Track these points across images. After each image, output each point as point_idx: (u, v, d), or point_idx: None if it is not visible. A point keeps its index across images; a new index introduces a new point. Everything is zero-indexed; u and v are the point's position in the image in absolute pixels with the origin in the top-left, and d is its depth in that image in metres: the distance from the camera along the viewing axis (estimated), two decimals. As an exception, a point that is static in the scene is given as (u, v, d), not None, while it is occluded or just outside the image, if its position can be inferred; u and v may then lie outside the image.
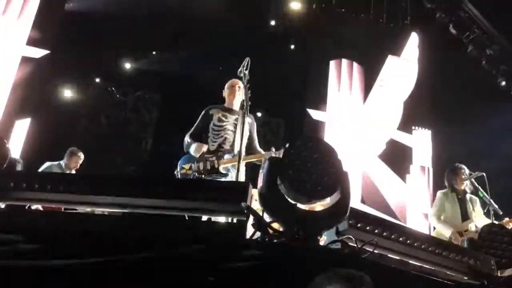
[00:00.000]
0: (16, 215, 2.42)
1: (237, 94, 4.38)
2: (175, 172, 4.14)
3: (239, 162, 3.41)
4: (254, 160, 4.14)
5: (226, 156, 4.09)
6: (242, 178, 4.11)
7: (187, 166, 4.05)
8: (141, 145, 9.33)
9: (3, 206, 2.50)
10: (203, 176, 4.01)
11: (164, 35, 9.32)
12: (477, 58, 9.51)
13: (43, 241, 2.10)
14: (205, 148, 4.09)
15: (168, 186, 2.15)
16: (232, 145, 4.22)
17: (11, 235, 2.11)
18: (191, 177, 3.99)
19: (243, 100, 3.82)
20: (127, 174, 8.89)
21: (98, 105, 9.28)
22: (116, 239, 2.07)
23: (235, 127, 4.27)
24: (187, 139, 4.27)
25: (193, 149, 4.10)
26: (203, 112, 4.40)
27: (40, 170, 5.58)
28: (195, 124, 4.38)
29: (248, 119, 4.41)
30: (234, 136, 4.16)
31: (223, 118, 4.29)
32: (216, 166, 4.03)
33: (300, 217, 2.10)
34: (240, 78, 4.11)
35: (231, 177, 4.02)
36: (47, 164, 5.82)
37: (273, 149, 4.12)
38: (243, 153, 4.17)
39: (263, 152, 4.22)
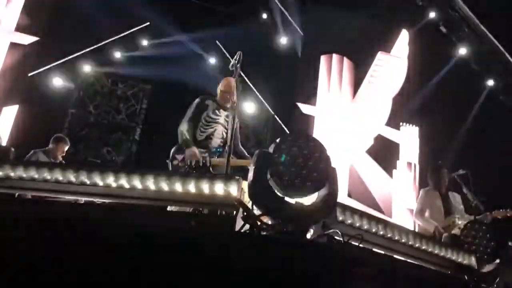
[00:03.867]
0: (5, 203, 2.43)
1: (232, 94, 4.36)
2: (167, 161, 4.11)
3: (228, 162, 3.40)
4: (243, 165, 4.12)
5: (217, 157, 4.08)
6: None
7: (179, 157, 4.03)
8: (131, 135, 9.29)
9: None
10: (193, 171, 3.99)
11: (155, 24, 9.28)
12: (466, 57, 9.62)
13: (31, 229, 2.12)
14: (198, 155, 4.03)
15: (157, 177, 2.17)
16: (224, 142, 4.20)
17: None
18: (182, 170, 3.97)
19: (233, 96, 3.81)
20: (116, 165, 8.85)
21: (87, 94, 9.20)
22: (104, 228, 2.09)
23: (227, 123, 4.29)
24: (184, 131, 4.20)
25: (187, 154, 4.04)
26: (198, 101, 4.36)
27: (26, 157, 5.54)
28: (191, 113, 4.30)
29: (234, 112, 4.43)
30: (226, 132, 4.13)
31: (217, 112, 4.32)
32: (208, 164, 3.99)
33: (289, 211, 2.15)
34: (232, 72, 4.12)
35: None
36: (33, 151, 5.77)
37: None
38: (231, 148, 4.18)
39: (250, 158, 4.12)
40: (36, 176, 2.33)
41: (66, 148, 6.04)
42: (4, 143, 6.29)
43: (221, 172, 3.87)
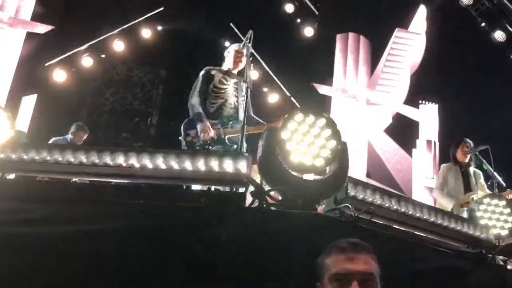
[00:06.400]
0: (25, 185, 2.48)
1: (241, 60, 4.30)
2: (180, 138, 4.09)
3: (242, 134, 3.40)
4: (258, 132, 4.09)
5: (231, 126, 4.06)
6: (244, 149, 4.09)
7: (192, 133, 4.01)
8: (148, 120, 9.37)
9: (13, 177, 2.58)
10: (209, 147, 3.95)
11: (170, 10, 9.27)
12: (486, 31, 9.34)
13: (50, 209, 2.16)
14: (211, 133, 3.98)
15: (168, 157, 2.18)
16: (236, 110, 4.18)
17: (20, 203, 2.17)
18: (197, 147, 3.95)
19: (245, 72, 3.77)
20: (129, 146, 8.94)
21: (104, 81, 9.29)
22: (120, 207, 2.12)
23: (236, 91, 4.24)
24: (196, 105, 4.15)
25: (200, 129, 4.00)
26: (203, 72, 4.32)
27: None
28: (199, 85, 4.26)
29: (246, 85, 4.38)
30: (237, 100, 4.09)
31: (224, 81, 4.25)
32: (222, 136, 4.00)
33: (299, 186, 2.14)
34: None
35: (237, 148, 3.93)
36: (53, 139, 5.88)
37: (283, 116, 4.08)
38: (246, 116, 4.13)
39: (265, 124, 4.13)
40: (49, 158, 2.36)
41: (85, 136, 6.15)
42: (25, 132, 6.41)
43: (236, 142, 3.87)
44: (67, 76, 8.48)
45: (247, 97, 3.72)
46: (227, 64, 4.41)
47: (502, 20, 9.11)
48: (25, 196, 2.26)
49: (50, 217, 2.13)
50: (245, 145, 4.05)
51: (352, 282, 1.46)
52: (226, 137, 4.00)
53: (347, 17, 9.49)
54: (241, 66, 4.33)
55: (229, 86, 4.26)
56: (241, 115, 4.10)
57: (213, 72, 4.30)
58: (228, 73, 4.34)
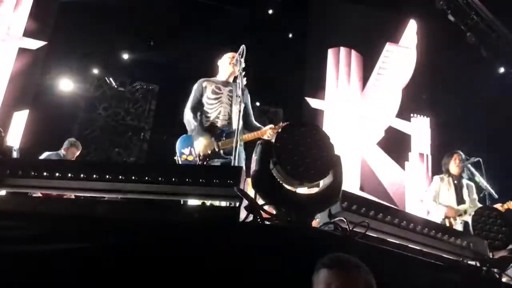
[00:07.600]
0: (16, 201, 2.45)
1: (235, 66, 4.18)
2: (175, 158, 4.00)
3: (236, 144, 3.37)
4: (255, 138, 3.99)
5: (225, 137, 3.98)
6: (242, 159, 4.00)
7: (187, 151, 3.93)
8: (140, 135, 9.35)
9: (3, 193, 2.54)
10: (205, 162, 3.87)
11: (162, 25, 9.31)
12: (475, 45, 9.47)
13: (42, 227, 2.13)
14: (209, 146, 3.89)
15: (161, 171, 2.17)
16: (230, 120, 4.09)
17: (10, 221, 2.14)
18: (193, 163, 3.85)
19: (238, 85, 3.74)
20: (122, 161, 8.90)
21: (96, 96, 9.28)
22: (113, 224, 2.10)
23: (230, 99, 4.13)
24: (192, 120, 4.06)
25: (198, 145, 3.90)
26: (196, 86, 4.26)
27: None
28: (192, 97, 4.20)
29: (239, 99, 4.31)
30: (231, 109, 3.99)
31: (217, 90, 4.19)
32: (217, 149, 3.93)
33: (293, 200, 2.13)
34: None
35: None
36: (46, 153, 5.86)
37: (272, 126, 4.03)
38: (240, 128, 4.07)
39: (263, 128, 4.09)
40: (40, 174, 2.34)
41: (78, 153, 6.14)
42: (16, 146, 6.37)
43: (231, 153, 3.77)
44: (59, 91, 8.46)
45: (240, 111, 3.67)
46: (224, 72, 4.36)
47: (491, 34, 9.24)
48: (16, 212, 2.23)
49: (42, 234, 2.10)
50: (243, 155, 4.03)
51: None
52: (221, 149, 3.95)
53: (339, 32, 9.60)
54: (235, 70, 4.23)
55: (223, 95, 4.17)
56: (234, 125, 3.97)
57: (204, 84, 4.23)
58: (222, 82, 4.28)
